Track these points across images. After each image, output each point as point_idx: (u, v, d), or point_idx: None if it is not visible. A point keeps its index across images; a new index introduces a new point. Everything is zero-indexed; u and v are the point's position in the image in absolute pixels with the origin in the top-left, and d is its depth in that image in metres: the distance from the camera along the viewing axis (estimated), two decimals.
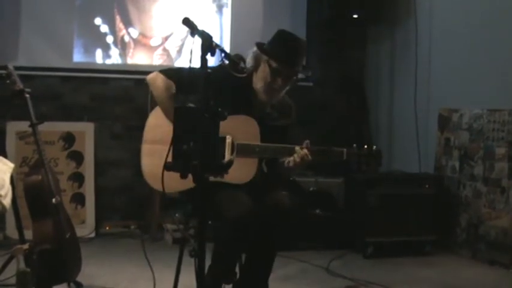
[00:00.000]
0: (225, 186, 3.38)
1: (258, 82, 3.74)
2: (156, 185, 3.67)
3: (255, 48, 3.75)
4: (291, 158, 3.64)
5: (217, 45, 2.83)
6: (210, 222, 3.21)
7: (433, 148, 6.32)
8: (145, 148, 3.76)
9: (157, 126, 3.74)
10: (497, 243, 5.48)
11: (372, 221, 5.76)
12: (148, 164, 3.72)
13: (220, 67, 3.28)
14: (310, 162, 3.64)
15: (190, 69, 3.67)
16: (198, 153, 2.69)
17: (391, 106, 7.11)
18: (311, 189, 6.06)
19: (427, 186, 5.90)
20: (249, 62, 3.74)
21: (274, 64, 3.67)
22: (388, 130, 7.18)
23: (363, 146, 3.75)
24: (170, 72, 3.82)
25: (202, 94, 2.75)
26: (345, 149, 3.71)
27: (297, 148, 3.64)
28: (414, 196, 5.83)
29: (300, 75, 3.91)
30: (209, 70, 3.18)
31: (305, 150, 3.62)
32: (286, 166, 3.71)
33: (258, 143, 3.67)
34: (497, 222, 5.51)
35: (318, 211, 6.00)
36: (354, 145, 3.73)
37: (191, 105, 2.83)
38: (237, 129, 3.59)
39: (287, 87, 3.79)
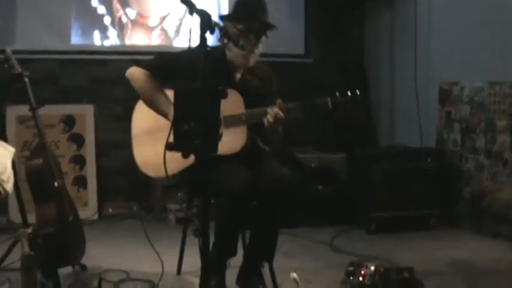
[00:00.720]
0: (222, 160, 3.38)
1: (232, 51, 3.78)
2: (153, 172, 3.75)
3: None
4: (265, 120, 3.66)
5: (216, 23, 2.81)
6: (212, 200, 3.24)
7: (434, 122, 6.30)
8: (135, 141, 3.89)
9: (143, 118, 3.87)
10: (500, 216, 5.47)
11: (374, 196, 5.76)
12: (141, 154, 3.85)
13: (197, 47, 3.33)
14: (285, 119, 3.64)
15: (166, 56, 3.72)
16: (199, 132, 2.68)
17: (392, 81, 7.08)
18: (313, 165, 6.05)
19: (429, 160, 5.89)
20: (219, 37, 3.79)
21: (239, 25, 3.72)
22: (389, 105, 7.17)
23: (346, 93, 3.71)
24: (146, 63, 3.88)
25: (202, 73, 2.73)
26: (328, 97, 3.69)
27: (268, 109, 3.65)
28: (417, 170, 5.82)
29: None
30: (186, 52, 3.25)
31: (275, 109, 3.62)
32: (267, 132, 3.79)
33: (243, 111, 3.72)
34: (500, 194, 5.50)
35: (320, 187, 6.00)
36: (337, 93, 3.70)
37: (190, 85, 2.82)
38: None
39: (260, 46, 3.82)
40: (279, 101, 3.67)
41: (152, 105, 3.79)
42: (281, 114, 3.62)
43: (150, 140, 3.80)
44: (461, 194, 5.91)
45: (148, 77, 3.80)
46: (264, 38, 3.81)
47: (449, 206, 5.95)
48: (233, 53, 3.79)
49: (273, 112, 3.62)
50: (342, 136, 6.78)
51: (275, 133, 3.80)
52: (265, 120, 3.66)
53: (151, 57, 4.00)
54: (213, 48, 2.94)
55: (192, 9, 2.83)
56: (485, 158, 5.68)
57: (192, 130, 2.69)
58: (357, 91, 3.72)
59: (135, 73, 3.84)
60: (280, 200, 3.70)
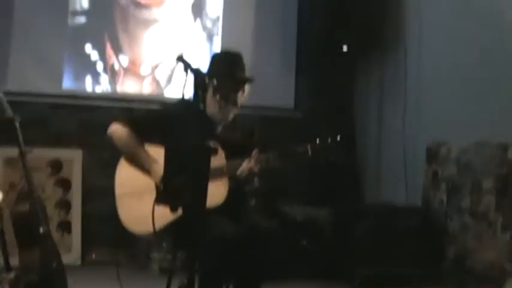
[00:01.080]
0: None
1: (210, 106, 3.82)
2: (139, 229, 3.76)
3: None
4: (239, 171, 3.70)
5: (210, 80, 2.85)
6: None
7: (420, 180, 6.32)
8: (119, 201, 3.87)
9: (126, 177, 3.86)
10: (484, 277, 5.47)
11: (359, 252, 5.75)
12: (127, 214, 3.82)
13: (179, 103, 3.39)
14: (259, 171, 3.70)
15: (148, 113, 3.76)
16: (188, 187, 2.70)
17: (380, 137, 7.11)
18: (298, 219, 6.04)
19: (414, 218, 5.90)
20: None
21: (215, 81, 3.74)
22: (376, 161, 7.18)
23: (326, 139, 3.77)
24: (126, 120, 3.90)
25: (193, 130, 2.76)
26: (308, 145, 3.74)
27: (244, 163, 3.71)
28: (402, 228, 5.83)
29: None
30: (167, 108, 3.28)
31: (249, 164, 3.68)
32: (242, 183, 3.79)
33: (224, 163, 3.73)
34: (484, 255, 5.51)
35: (304, 242, 5.99)
36: (317, 139, 3.75)
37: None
38: None
39: (238, 102, 3.86)
40: (255, 150, 3.71)
41: (134, 162, 3.79)
42: (255, 168, 3.68)
43: (135, 198, 3.78)
44: (446, 253, 5.90)
45: (128, 134, 3.81)
46: (240, 93, 3.85)
47: (434, 264, 5.94)
48: (213, 108, 3.82)
49: (248, 164, 3.67)
50: (327, 190, 6.78)
51: (250, 184, 3.82)
52: (239, 172, 3.68)
53: (141, 105, 4.04)
54: (193, 102, 2.96)
55: (187, 67, 2.87)
56: (471, 218, 5.69)
57: (181, 184, 2.70)
58: (338, 136, 3.77)
59: (116, 131, 3.86)
60: (260, 251, 3.71)
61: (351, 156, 7.25)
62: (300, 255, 5.89)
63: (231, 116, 3.90)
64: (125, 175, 3.85)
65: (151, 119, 3.94)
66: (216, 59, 3.97)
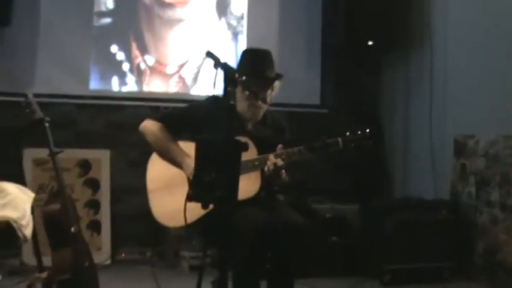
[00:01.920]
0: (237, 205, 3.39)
1: (240, 103, 3.85)
2: (171, 222, 3.79)
3: None
4: (266, 167, 3.71)
5: (239, 77, 2.87)
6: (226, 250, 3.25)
7: (448, 174, 6.30)
8: (151, 194, 3.90)
9: (158, 171, 3.90)
10: None
11: (388, 247, 5.73)
12: (158, 207, 3.85)
13: (210, 99, 3.42)
14: (282, 166, 3.70)
15: (179, 109, 3.79)
16: (220, 184, 2.71)
17: (407, 132, 7.10)
18: (327, 215, 6.04)
19: (443, 212, 5.89)
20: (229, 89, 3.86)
21: (245, 78, 3.74)
22: (403, 156, 7.17)
23: (356, 132, 3.80)
24: (159, 115, 4.00)
25: (224, 125, 2.77)
26: (339, 138, 3.76)
27: (271, 156, 3.71)
28: (431, 222, 5.81)
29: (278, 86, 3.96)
30: (198, 104, 3.30)
31: (272, 159, 3.69)
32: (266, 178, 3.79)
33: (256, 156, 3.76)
34: None
35: (334, 238, 5.99)
36: (347, 133, 3.79)
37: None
38: None
39: (268, 99, 3.89)
40: (280, 146, 3.74)
41: (166, 156, 3.84)
42: (280, 162, 3.68)
43: (166, 191, 3.82)
44: (476, 247, 5.87)
45: (161, 129, 3.87)
46: (269, 91, 3.88)
47: (463, 259, 5.91)
48: (242, 104, 3.85)
49: (273, 160, 3.69)
50: (356, 187, 6.77)
51: (276, 179, 3.83)
52: (265, 168, 3.69)
53: (168, 104, 4.07)
54: (223, 98, 2.98)
55: (216, 63, 2.88)
56: (500, 211, 5.66)
57: (212, 181, 2.72)
58: (367, 129, 3.78)
59: (148, 126, 3.92)
60: (293, 245, 3.70)
61: (379, 150, 7.24)
62: (329, 251, 5.89)
63: (261, 113, 3.92)
64: (157, 170, 3.89)
65: (183, 114, 3.97)
66: (245, 56, 3.97)
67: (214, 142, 2.79)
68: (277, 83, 3.91)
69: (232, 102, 3.22)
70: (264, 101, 3.85)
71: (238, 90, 3.80)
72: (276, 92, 3.94)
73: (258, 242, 3.52)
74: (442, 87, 6.46)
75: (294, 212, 3.89)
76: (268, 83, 3.87)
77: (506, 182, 5.61)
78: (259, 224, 3.55)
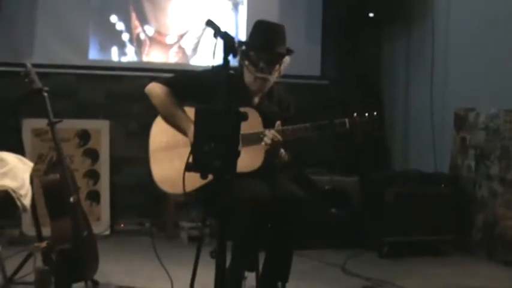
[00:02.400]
0: (238, 176, 3.38)
1: (247, 76, 3.83)
2: (170, 188, 3.76)
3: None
4: (262, 143, 3.69)
5: (239, 46, 2.84)
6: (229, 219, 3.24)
7: (448, 147, 6.29)
8: (152, 157, 3.87)
9: (161, 134, 3.88)
10: None
11: (387, 220, 5.74)
12: (158, 170, 3.83)
13: (217, 68, 3.39)
14: (281, 142, 3.69)
15: (186, 74, 3.76)
16: (219, 154, 2.70)
17: (407, 105, 7.09)
18: (326, 187, 6.05)
19: (443, 185, 5.89)
20: (239, 61, 3.85)
21: (253, 53, 3.76)
22: (403, 129, 7.16)
23: (364, 114, 3.78)
24: (166, 79, 3.94)
25: (224, 95, 2.75)
26: (346, 119, 3.74)
27: (266, 131, 3.69)
28: (430, 195, 5.81)
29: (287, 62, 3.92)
30: (206, 72, 3.29)
31: (272, 132, 3.67)
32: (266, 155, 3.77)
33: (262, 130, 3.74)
34: None
35: (333, 210, 6.00)
36: (354, 114, 3.77)
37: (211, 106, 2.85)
38: None
39: (276, 74, 3.86)
40: (278, 123, 3.71)
41: (171, 121, 3.81)
42: (278, 137, 3.66)
43: (168, 155, 3.81)
44: (474, 221, 5.88)
45: (168, 93, 3.83)
46: (277, 66, 3.85)
47: (462, 232, 5.92)
48: (247, 76, 3.83)
49: (270, 135, 3.66)
50: (355, 159, 6.76)
51: (275, 157, 3.81)
52: (263, 143, 3.68)
53: (167, 74, 4.03)
54: (232, 70, 2.96)
55: (216, 32, 2.85)
56: (499, 185, 5.66)
57: (211, 151, 2.70)
58: (374, 112, 3.76)
59: (154, 89, 3.87)
60: (293, 217, 3.71)
61: (382, 124, 7.24)
62: (328, 223, 5.90)
63: (267, 87, 3.88)
64: (161, 133, 3.86)
65: (191, 80, 3.93)
66: (257, 28, 3.91)
67: (214, 112, 2.76)
68: (287, 59, 3.87)
69: (232, 72, 3.19)
70: (272, 74, 3.82)
71: (246, 63, 3.78)
72: (285, 67, 3.89)
73: (257, 212, 3.52)
74: (443, 60, 6.44)
75: (294, 185, 3.89)
76: (276, 58, 3.83)
77: (505, 156, 5.61)
78: (259, 195, 3.56)
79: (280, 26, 3.89)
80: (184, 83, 3.93)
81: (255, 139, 3.70)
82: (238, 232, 3.51)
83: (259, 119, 3.76)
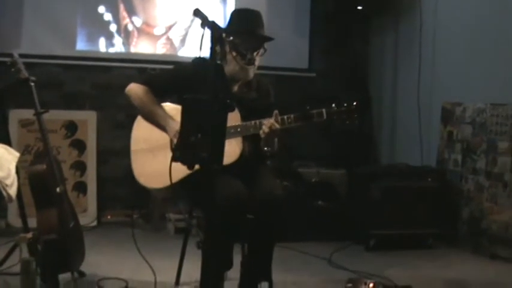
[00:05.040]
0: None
1: (230, 64, 3.82)
2: (149, 183, 3.79)
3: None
4: (261, 131, 3.69)
5: (227, 36, 2.84)
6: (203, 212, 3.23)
7: (435, 141, 6.31)
8: (134, 156, 3.90)
9: (142, 134, 3.90)
10: (499, 238, 5.48)
11: (374, 213, 5.75)
12: (140, 168, 3.86)
13: (196, 60, 3.40)
14: (279, 130, 3.67)
15: (165, 71, 3.76)
16: (205, 144, 2.69)
17: (394, 98, 7.11)
18: (313, 180, 6.06)
19: (429, 179, 5.90)
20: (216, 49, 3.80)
21: (236, 40, 3.75)
22: (390, 123, 7.18)
23: (342, 104, 3.76)
24: (144, 78, 3.99)
25: (210, 85, 2.74)
26: (324, 109, 3.72)
27: (264, 120, 3.69)
28: (416, 189, 5.83)
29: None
30: (183, 66, 3.28)
31: (271, 120, 3.66)
32: (262, 144, 3.76)
33: (239, 123, 3.74)
34: (499, 216, 5.51)
35: (320, 202, 6.00)
36: (333, 104, 3.75)
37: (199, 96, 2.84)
38: None
39: (259, 59, 3.87)
40: (276, 112, 3.70)
41: (150, 119, 3.84)
42: (276, 125, 3.65)
43: (149, 153, 3.83)
44: (461, 215, 5.91)
45: (146, 92, 3.86)
46: (262, 51, 3.86)
47: (448, 226, 5.94)
48: (231, 65, 3.82)
49: (268, 123, 3.65)
50: (342, 152, 6.77)
51: (270, 145, 3.79)
52: (260, 132, 3.68)
53: (155, 65, 4.05)
54: (209, 60, 2.94)
55: (204, 21, 2.85)
56: (486, 179, 5.68)
57: (198, 142, 2.70)
58: (354, 102, 3.75)
59: (133, 89, 3.91)
60: (272, 213, 3.68)
61: (365, 118, 7.24)
62: (315, 215, 5.90)
63: (250, 74, 3.88)
64: (141, 132, 3.89)
65: (168, 76, 3.97)
66: (236, 16, 3.95)
67: (201, 102, 2.76)
68: (266, 46, 3.87)
69: (219, 62, 3.18)
70: (253, 62, 3.82)
71: (228, 51, 3.77)
72: (261, 55, 3.89)
73: (233, 215, 3.49)
74: (430, 54, 6.46)
75: (275, 181, 3.88)
76: (259, 44, 3.84)
77: (492, 150, 5.64)
78: (236, 194, 3.53)
79: (257, 11, 3.91)
80: (162, 79, 3.98)
81: (232, 132, 3.68)
82: (211, 234, 3.41)
83: (238, 113, 3.73)
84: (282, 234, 3.92)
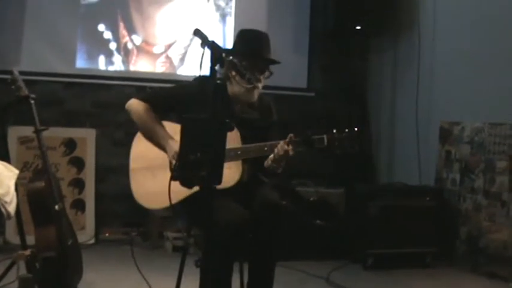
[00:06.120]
0: (215, 194, 3.34)
1: (235, 86, 3.79)
2: (149, 203, 3.76)
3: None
4: (275, 152, 3.64)
5: (226, 56, 2.85)
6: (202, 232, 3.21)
7: (433, 160, 6.32)
8: (133, 174, 3.87)
9: (141, 152, 3.87)
10: (497, 257, 5.48)
11: (372, 232, 5.76)
12: (139, 187, 3.83)
13: (197, 79, 3.40)
14: (291, 156, 3.63)
15: (166, 88, 3.77)
16: (205, 163, 2.70)
17: (393, 117, 7.12)
18: (311, 199, 6.06)
19: (427, 198, 5.91)
20: (221, 70, 3.78)
21: (243, 61, 3.69)
22: (389, 142, 7.19)
23: (343, 130, 3.71)
24: (145, 95, 3.95)
25: (210, 105, 2.76)
26: (325, 135, 3.69)
27: (281, 142, 3.63)
28: (415, 208, 5.83)
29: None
30: (185, 85, 3.32)
31: (284, 145, 3.60)
32: (268, 164, 3.73)
33: (239, 145, 3.71)
34: (497, 235, 5.52)
35: (318, 221, 6.00)
36: (334, 130, 3.71)
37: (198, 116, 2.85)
38: None
39: (263, 82, 3.84)
40: (291, 135, 3.64)
41: (150, 137, 3.81)
42: (291, 152, 3.61)
43: (148, 172, 3.80)
44: (459, 234, 5.91)
45: (146, 109, 3.83)
46: (267, 73, 3.84)
47: (446, 245, 5.95)
48: (237, 87, 3.79)
49: (285, 147, 3.61)
50: (341, 171, 6.77)
51: (277, 168, 3.76)
52: (274, 152, 3.64)
53: (154, 84, 4.03)
54: (210, 77, 2.94)
55: (204, 41, 2.86)
56: (484, 198, 5.69)
57: (197, 161, 2.71)
58: (355, 128, 3.74)
59: (134, 105, 3.87)
60: (273, 225, 3.67)
61: (364, 139, 7.25)
62: (313, 234, 5.90)
63: (254, 97, 3.85)
64: (141, 150, 3.87)
65: (169, 95, 3.94)
66: (242, 37, 3.91)
67: (200, 121, 2.77)
68: (270, 68, 3.86)
69: (219, 82, 3.19)
70: (259, 84, 3.79)
71: (233, 73, 3.73)
72: (267, 77, 3.86)
73: (234, 240, 3.47)
74: (428, 73, 6.48)
75: (274, 193, 3.87)
76: (265, 67, 3.82)
77: (490, 170, 5.65)
78: (237, 223, 3.49)
79: (264, 33, 3.90)
80: (163, 97, 3.93)
81: (232, 155, 3.65)
82: (211, 251, 3.39)
83: (237, 133, 3.71)
84: (281, 254, 3.89)
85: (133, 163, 3.88)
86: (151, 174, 3.76)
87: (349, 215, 6.05)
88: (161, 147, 3.73)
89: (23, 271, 3.98)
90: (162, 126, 3.80)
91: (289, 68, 6.92)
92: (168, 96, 3.92)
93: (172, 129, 3.72)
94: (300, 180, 6.23)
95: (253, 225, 3.64)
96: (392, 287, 5.13)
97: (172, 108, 3.83)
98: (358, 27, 6.78)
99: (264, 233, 3.67)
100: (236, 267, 3.75)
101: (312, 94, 7.25)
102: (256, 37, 3.88)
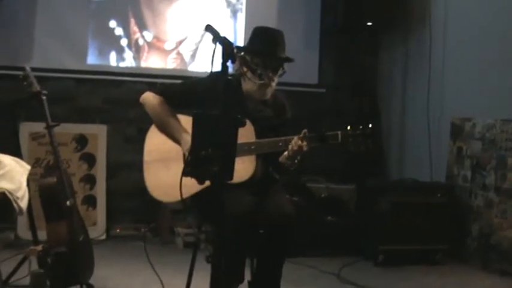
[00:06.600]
0: (228, 187, 3.36)
1: (248, 83, 3.79)
2: (162, 196, 3.78)
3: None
4: (289, 148, 3.63)
5: (238, 52, 2.84)
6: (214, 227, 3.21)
7: (445, 157, 6.31)
8: (146, 166, 3.89)
9: (155, 145, 3.89)
10: (508, 254, 5.46)
11: (383, 228, 5.75)
12: (152, 180, 3.84)
13: (212, 75, 3.40)
14: (305, 152, 3.62)
15: (181, 83, 3.76)
16: (216, 159, 2.70)
17: (404, 114, 7.10)
18: (322, 195, 6.06)
19: (438, 195, 5.90)
20: (235, 66, 3.79)
21: (256, 59, 3.72)
22: (400, 138, 7.18)
23: (358, 127, 3.70)
24: (160, 88, 3.96)
25: (222, 101, 2.75)
26: (339, 131, 3.68)
27: (295, 138, 3.62)
28: (426, 205, 5.82)
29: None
30: (202, 79, 3.31)
31: (298, 141, 3.60)
32: (283, 161, 3.72)
33: (253, 140, 3.72)
34: (508, 232, 5.50)
35: (329, 217, 6.00)
36: (348, 126, 3.70)
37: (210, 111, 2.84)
38: None
39: (277, 80, 3.84)
40: (305, 130, 3.64)
41: (165, 130, 3.81)
42: (305, 148, 3.60)
43: (162, 165, 3.82)
44: (470, 231, 5.89)
45: (161, 102, 3.83)
46: (281, 71, 3.84)
47: (457, 241, 5.93)
48: (250, 84, 3.79)
49: (300, 143, 3.61)
50: (351, 167, 6.76)
51: (291, 165, 3.76)
52: (288, 148, 3.64)
53: (165, 80, 4.03)
54: (222, 73, 2.93)
55: (215, 37, 2.86)
56: (495, 194, 5.67)
57: (209, 156, 2.71)
58: (369, 125, 3.73)
59: (149, 98, 3.87)
60: (283, 230, 3.67)
61: (376, 135, 7.22)
62: (324, 231, 5.90)
63: (269, 93, 3.86)
64: (154, 143, 3.88)
65: (184, 89, 3.93)
66: (257, 34, 3.91)
67: (211, 117, 2.77)
68: (285, 66, 3.86)
69: (231, 78, 3.18)
70: (273, 81, 3.79)
71: (247, 70, 3.73)
72: (280, 75, 3.86)
73: (243, 230, 3.49)
74: (440, 69, 6.46)
75: (286, 199, 3.86)
76: (280, 64, 3.82)
77: (501, 166, 5.63)
78: (246, 209, 3.52)
79: (279, 31, 3.89)
80: (178, 91, 3.92)
81: (245, 150, 3.65)
82: (222, 246, 3.42)
83: (251, 128, 3.72)
84: (291, 250, 3.89)
85: (147, 156, 3.89)
86: (165, 167, 3.77)
87: (360, 212, 6.06)
88: (175, 140, 3.73)
89: (34, 266, 3.99)
90: (177, 119, 3.80)
91: (300, 64, 6.82)
92: (183, 91, 3.91)
93: (187, 122, 3.70)
94: (311, 177, 6.23)
95: (265, 226, 3.64)
96: (403, 284, 5.12)
97: (186, 103, 3.81)
98: (369, 23, 6.77)
99: (276, 241, 3.66)
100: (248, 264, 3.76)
101: (323, 90, 7.24)
102: (270, 35, 3.87)
